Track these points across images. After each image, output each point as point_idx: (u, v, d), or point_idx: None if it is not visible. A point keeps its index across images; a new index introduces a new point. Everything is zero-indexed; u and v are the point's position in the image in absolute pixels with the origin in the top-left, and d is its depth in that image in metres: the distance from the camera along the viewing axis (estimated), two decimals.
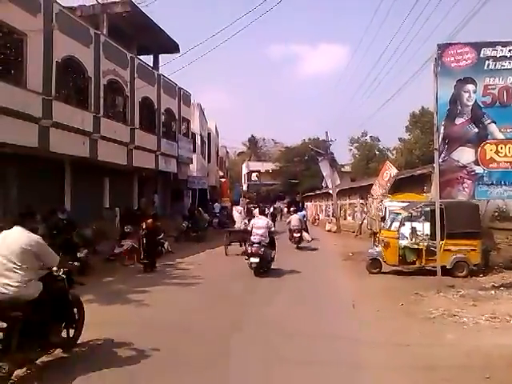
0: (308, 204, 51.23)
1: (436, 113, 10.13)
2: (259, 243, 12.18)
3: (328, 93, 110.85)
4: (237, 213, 19.20)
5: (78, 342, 6.06)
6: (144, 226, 13.65)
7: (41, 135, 15.18)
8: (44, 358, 5.40)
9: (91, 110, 18.32)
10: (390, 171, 20.51)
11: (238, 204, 26.76)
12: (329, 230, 30.73)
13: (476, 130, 10.23)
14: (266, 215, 15.37)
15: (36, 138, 14.97)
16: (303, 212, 23.15)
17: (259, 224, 12.77)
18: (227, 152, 62.33)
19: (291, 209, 25.19)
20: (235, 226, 18.59)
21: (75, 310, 6.06)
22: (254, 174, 70.06)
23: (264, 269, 12.21)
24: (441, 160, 10.18)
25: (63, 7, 16.71)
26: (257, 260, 11.87)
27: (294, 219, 19.98)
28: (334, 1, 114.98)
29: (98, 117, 18.67)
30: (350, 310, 8.45)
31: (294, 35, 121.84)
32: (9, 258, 5.04)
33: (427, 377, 5.27)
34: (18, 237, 5.24)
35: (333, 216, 33.20)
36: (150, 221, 13.79)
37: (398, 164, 33.40)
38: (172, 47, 26.03)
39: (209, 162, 38.86)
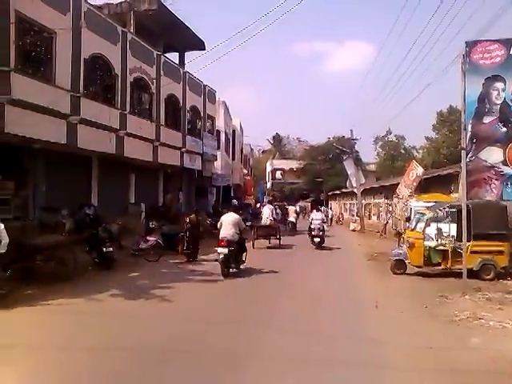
0: (332, 203, 50.92)
1: (463, 111, 9.96)
2: (319, 229, 18.56)
3: (353, 91, 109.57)
4: (267, 209, 20.04)
5: None
6: (188, 221, 14.99)
7: (69, 131, 15.48)
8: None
9: (118, 107, 18.60)
10: (416, 171, 20.23)
11: (261, 202, 27.59)
12: (353, 230, 30.48)
13: (505, 129, 10.06)
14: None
15: (64, 135, 15.27)
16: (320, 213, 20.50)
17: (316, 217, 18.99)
18: (251, 150, 62.38)
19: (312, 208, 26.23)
20: (261, 221, 19.64)
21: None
22: (278, 172, 69.95)
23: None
24: (468, 160, 10.02)
25: (91, 6, 17.00)
26: (318, 240, 18.20)
27: (313, 221, 19.00)
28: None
29: (124, 114, 18.93)
30: (373, 311, 8.37)
31: (319, 33, 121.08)
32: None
33: (450, 381, 5.19)
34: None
35: (357, 215, 32.92)
36: (192, 216, 15.23)
37: (425, 163, 32.93)
38: (198, 45, 26.21)
39: (233, 159, 38.98)
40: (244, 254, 12.46)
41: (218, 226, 12.29)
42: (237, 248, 11.82)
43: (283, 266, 13.66)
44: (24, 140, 13.63)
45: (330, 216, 37.00)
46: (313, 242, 18.87)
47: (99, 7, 19.03)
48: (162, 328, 6.98)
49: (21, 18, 13.19)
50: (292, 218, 26.26)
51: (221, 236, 11.76)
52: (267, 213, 19.67)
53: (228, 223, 11.94)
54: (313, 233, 18.96)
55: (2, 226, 8.36)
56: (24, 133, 13.37)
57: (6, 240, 8.28)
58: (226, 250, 11.41)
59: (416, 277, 11.88)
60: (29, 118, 13.47)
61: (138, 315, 7.77)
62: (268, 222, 19.18)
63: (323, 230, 19.28)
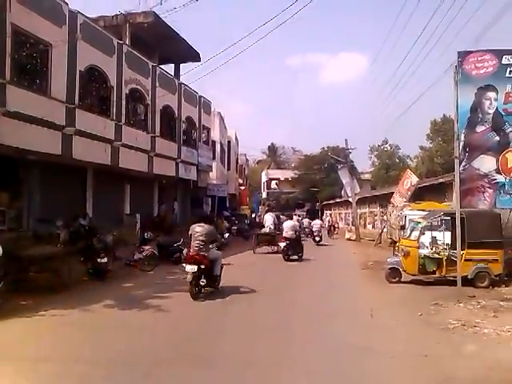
0: (327, 212, 51.00)
1: (456, 121, 10.06)
2: (319, 231, 25.94)
3: (348, 101, 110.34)
4: (270, 217, 21.28)
5: None
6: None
7: (64, 143, 15.53)
8: None
9: (113, 118, 18.66)
10: (410, 179, 20.36)
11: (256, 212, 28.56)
12: (348, 239, 30.52)
13: (497, 138, 10.16)
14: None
15: (59, 146, 15.32)
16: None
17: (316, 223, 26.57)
18: (247, 160, 62.51)
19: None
20: (264, 229, 20.85)
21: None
22: (273, 182, 70.05)
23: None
24: (461, 168, 10.10)
25: (87, 18, 17.13)
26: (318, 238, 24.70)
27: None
28: (353, 10, 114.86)
29: (119, 125, 19.00)
30: (368, 320, 8.36)
31: (312, 45, 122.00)
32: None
33: None
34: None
35: (352, 224, 32.98)
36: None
37: (419, 172, 33.11)
38: (193, 56, 26.42)
39: (228, 169, 39.07)
40: (219, 272, 10.52)
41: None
42: (209, 264, 10.00)
43: (278, 272, 13.67)
44: (19, 151, 13.65)
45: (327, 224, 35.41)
46: (314, 239, 25.55)
47: (95, 19, 19.16)
48: (156, 338, 6.96)
49: (17, 31, 13.31)
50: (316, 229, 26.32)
51: (191, 252, 10.16)
52: (269, 221, 20.53)
53: (197, 236, 10.16)
54: (314, 234, 25.76)
55: None
56: (19, 144, 13.41)
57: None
58: (194, 268, 9.66)
59: (411, 285, 11.90)
60: (24, 129, 13.52)
61: (131, 326, 7.73)
62: (268, 230, 20.22)
63: (321, 232, 26.30)
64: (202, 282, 9.79)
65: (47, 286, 10.34)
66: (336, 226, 38.17)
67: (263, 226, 21.46)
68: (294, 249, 17.02)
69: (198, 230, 10.25)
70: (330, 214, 39.67)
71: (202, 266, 9.79)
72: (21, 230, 14.46)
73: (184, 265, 10.10)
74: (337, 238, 32.48)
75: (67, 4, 15.62)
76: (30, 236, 14.02)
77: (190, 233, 10.49)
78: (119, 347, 6.49)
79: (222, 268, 10.66)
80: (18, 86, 13.43)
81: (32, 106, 13.76)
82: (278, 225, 21.63)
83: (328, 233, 32.76)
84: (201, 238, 10.12)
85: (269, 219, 20.88)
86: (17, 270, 10.03)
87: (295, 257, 16.98)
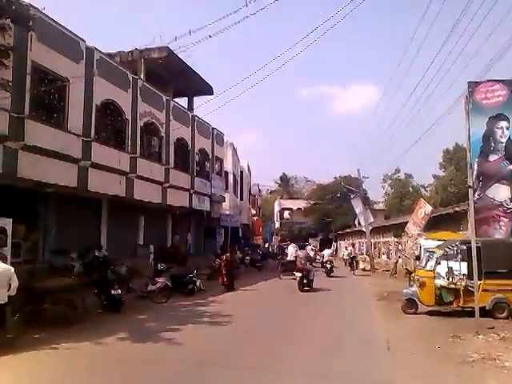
0: (341, 242, 50.61)
1: (469, 150, 10.06)
2: (330, 261, 24.60)
3: (360, 131, 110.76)
4: (292, 248, 23.60)
5: None
6: (224, 258, 18.21)
7: (80, 175, 15.80)
8: None
9: (128, 151, 18.98)
10: (424, 209, 20.21)
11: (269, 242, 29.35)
12: (362, 269, 30.07)
13: (511, 166, 10.09)
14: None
15: (75, 178, 15.58)
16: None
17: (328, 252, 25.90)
18: (259, 190, 62.73)
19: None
20: (287, 258, 23.50)
21: None
22: (286, 212, 69.89)
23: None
24: (476, 197, 10.05)
25: (103, 54, 17.68)
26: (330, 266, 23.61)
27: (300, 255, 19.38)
28: (363, 42, 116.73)
29: (134, 157, 19.30)
30: (384, 353, 8.21)
31: (324, 77, 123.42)
32: None
33: None
34: None
35: (366, 254, 32.57)
36: (228, 254, 18.77)
37: (433, 201, 32.84)
38: (206, 89, 27.01)
39: (241, 200, 39.19)
40: (312, 278, 17.74)
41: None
42: (306, 273, 17.34)
43: (296, 303, 13.52)
44: (36, 184, 13.91)
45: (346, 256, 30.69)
46: (325, 268, 24.56)
47: (111, 55, 19.77)
48: (170, 373, 6.89)
49: (36, 68, 13.79)
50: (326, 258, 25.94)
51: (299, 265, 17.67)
52: (292, 251, 23.10)
53: (301, 256, 17.57)
54: (326, 264, 24.82)
55: (13, 269, 8.44)
56: (36, 177, 13.69)
57: (15, 284, 8.33)
58: (300, 274, 17.18)
59: (428, 316, 11.68)
60: (41, 162, 13.82)
61: (144, 359, 7.66)
62: (291, 259, 22.27)
63: (332, 262, 25.12)
64: (304, 282, 17.08)
65: (62, 318, 10.36)
66: (360, 258, 31.57)
67: (277, 255, 27.28)
68: (307, 278, 17.52)
69: (300, 253, 18.28)
70: (353, 244, 34.45)
71: (304, 273, 17.05)
72: (36, 261, 14.60)
73: (295, 272, 17.70)
74: (361, 274, 26.07)
75: (84, 41, 16.18)
76: (45, 268, 14.13)
77: (294, 255, 19.71)
78: (131, 381, 6.45)
79: (313, 276, 17.65)
80: (36, 121, 13.80)
81: (49, 139, 14.10)
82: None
83: (350, 266, 27.68)
84: (303, 258, 17.62)
85: (290, 250, 23.43)
86: (32, 302, 10.09)
87: (307, 288, 17.29)
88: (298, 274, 17.45)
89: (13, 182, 13.14)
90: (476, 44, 14.82)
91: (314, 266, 21.25)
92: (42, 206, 15.48)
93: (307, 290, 17.03)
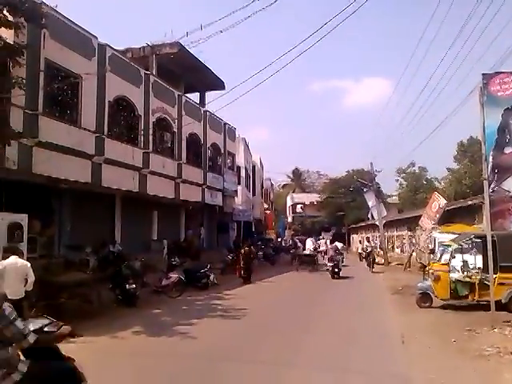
0: (354, 236, 50.44)
1: (484, 142, 9.93)
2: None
3: (373, 124, 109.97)
4: (310, 241, 25.63)
5: None
6: (243, 252, 18.81)
7: (94, 171, 15.92)
8: None
9: (141, 147, 19.07)
10: (438, 202, 20.02)
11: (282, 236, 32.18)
12: (376, 263, 29.88)
13: None
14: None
15: (89, 174, 15.71)
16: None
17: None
18: (272, 184, 62.64)
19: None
20: (305, 251, 25.05)
21: None
22: (298, 206, 69.78)
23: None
24: (491, 190, 9.93)
25: (115, 50, 17.75)
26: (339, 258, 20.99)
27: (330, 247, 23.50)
28: (374, 35, 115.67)
29: (147, 153, 19.39)
30: (399, 346, 8.18)
31: (336, 70, 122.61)
32: None
33: None
34: None
35: (380, 248, 32.41)
36: (247, 248, 19.15)
37: (447, 194, 32.48)
38: (218, 84, 26.97)
39: (253, 194, 39.21)
40: (340, 267, 20.38)
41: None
42: (337, 263, 20.09)
43: (311, 296, 13.53)
44: (51, 180, 14.05)
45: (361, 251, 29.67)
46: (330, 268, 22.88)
47: (123, 51, 19.84)
48: (184, 366, 6.94)
49: (50, 65, 13.88)
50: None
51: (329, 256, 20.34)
52: (309, 244, 25.06)
53: (331, 248, 15.73)
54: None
55: (29, 264, 8.56)
56: (51, 173, 13.83)
57: (32, 278, 8.44)
58: (332, 263, 20.03)
59: (442, 310, 11.60)
60: (55, 158, 13.94)
61: (159, 353, 7.74)
62: (308, 252, 24.44)
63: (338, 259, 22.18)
64: (336, 270, 19.58)
65: (77, 312, 10.48)
66: (377, 253, 28.71)
67: (290, 249, 28.88)
68: (338, 267, 19.91)
69: (331, 246, 21.56)
70: (368, 238, 29.52)
71: (335, 263, 19.65)
72: (52, 256, 14.76)
73: (327, 262, 20.60)
74: (379, 272, 23.52)
75: (96, 37, 16.26)
76: (60, 263, 14.30)
77: (325, 249, 23.16)
78: (146, 374, 6.51)
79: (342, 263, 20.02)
80: (49, 117, 13.92)
81: (63, 136, 14.23)
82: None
83: (365, 261, 26.29)
84: (332, 250, 20.44)
85: (308, 243, 25.29)
86: (48, 296, 10.22)
87: (337, 276, 19.71)
88: (330, 264, 20.25)
89: (28, 178, 13.29)
90: (494, 32, 14.60)
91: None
92: (57, 202, 15.64)
93: (337, 278, 19.59)
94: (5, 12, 10.73)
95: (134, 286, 12.41)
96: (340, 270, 19.97)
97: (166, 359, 7.34)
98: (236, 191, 31.16)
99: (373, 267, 23.83)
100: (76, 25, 15.20)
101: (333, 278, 19.53)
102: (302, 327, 9.99)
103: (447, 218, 19.54)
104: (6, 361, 3.33)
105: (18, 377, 3.35)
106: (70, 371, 3.88)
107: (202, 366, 6.92)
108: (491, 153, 10.05)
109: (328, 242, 32.59)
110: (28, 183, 13.43)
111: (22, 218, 12.08)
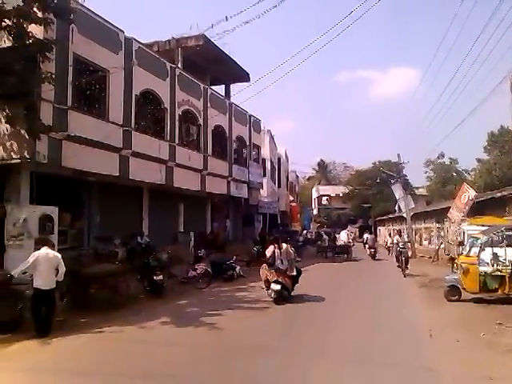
0: (381, 228, 49.92)
1: None
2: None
3: (400, 115, 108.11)
4: (344, 233, 27.15)
5: None
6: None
7: (121, 164, 16.16)
8: None
9: (167, 139, 19.25)
10: (467, 193, 19.62)
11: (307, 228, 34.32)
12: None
13: None
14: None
15: (117, 167, 15.96)
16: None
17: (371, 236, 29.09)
18: (297, 177, 62.43)
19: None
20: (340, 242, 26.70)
21: None
22: (324, 198, 69.38)
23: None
24: None
25: (142, 44, 17.91)
26: (373, 250, 26.60)
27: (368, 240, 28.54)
28: (402, 24, 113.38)
29: (173, 145, 19.57)
30: (427, 340, 8.08)
31: (363, 61, 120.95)
32: None
33: None
34: None
35: (407, 240, 31.92)
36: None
37: (477, 186, 31.77)
38: (243, 76, 26.98)
39: (279, 186, 39.16)
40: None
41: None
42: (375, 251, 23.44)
43: (338, 287, 13.51)
44: (80, 173, 14.33)
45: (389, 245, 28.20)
46: (370, 253, 26.86)
47: (149, 45, 20.00)
48: (212, 356, 7.04)
49: (78, 60, 14.10)
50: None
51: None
52: (344, 236, 26.68)
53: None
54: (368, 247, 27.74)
55: (60, 256, 8.79)
56: (80, 166, 14.10)
57: (63, 269, 8.67)
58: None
59: (472, 303, 11.37)
60: (84, 152, 14.21)
61: (187, 343, 7.87)
62: (343, 243, 26.12)
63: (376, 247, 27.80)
64: (376, 256, 25.46)
65: (107, 302, 10.72)
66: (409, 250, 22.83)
67: (315, 241, 31.21)
68: (376, 253, 26.11)
69: (371, 236, 27.70)
70: (399, 232, 22.13)
71: (374, 250, 26.21)
72: (81, 248, 15.11)
73: (367, 249, 26.35)
74: (411, 274, 17.79)
75: (123, 31, 16.42)
76: (90, 254, 14.63)
77: (346, 239, 25.96)
78: (173, 364, 6.63)
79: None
80: (78, 111, 14.17)
81: (91, 129, 14.47)
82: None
83: (396, 260, 20.00)
84: (370, 240, 27.12)
85: (343, 235, 26.87)
86: (78, 287, 10.49)
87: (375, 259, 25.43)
88: (372, 250, 26.29)
89: (58, 172, 13.59)
90: None
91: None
92: (86, 195, 15.96)
93: (376, 260, 25.17)
94: (34, 9, 10.97)
95: (162, 277, 12.59)
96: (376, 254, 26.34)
97: (193, 349, 7.46)
98: (261, 183, 31.17)
99: (406, 268, 17.87)
100: (103, 19, 15.38)
101: (373, 259, 25.71)
102: (328, 318, 9.98)
103: (477, 210, 19.13)
104: None
105: None
106: None
107: (229, 357, 6.99)
108: None
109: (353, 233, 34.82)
110: (57, 176, 13.73)
111: (53, 211, 12.39)
